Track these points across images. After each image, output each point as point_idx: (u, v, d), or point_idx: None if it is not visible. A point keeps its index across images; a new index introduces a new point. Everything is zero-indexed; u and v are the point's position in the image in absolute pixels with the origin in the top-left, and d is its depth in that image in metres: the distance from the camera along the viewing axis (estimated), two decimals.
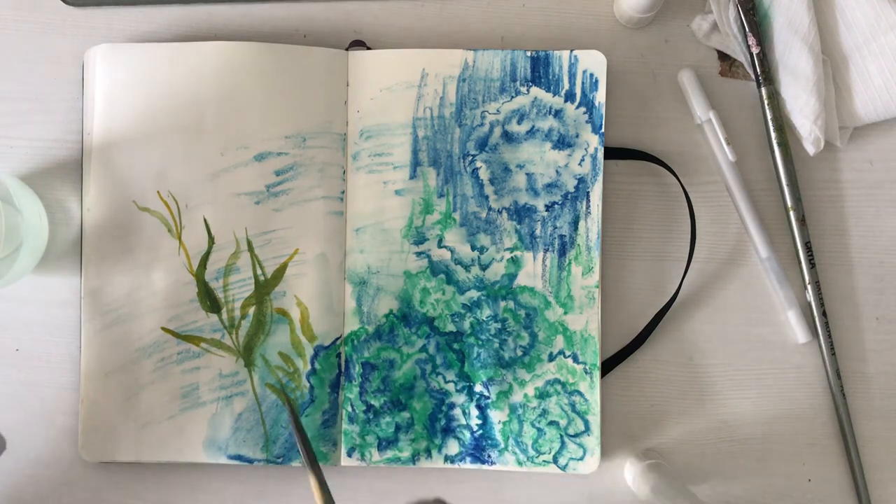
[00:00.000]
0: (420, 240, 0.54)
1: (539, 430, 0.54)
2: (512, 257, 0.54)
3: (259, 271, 0.53)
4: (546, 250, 0.54)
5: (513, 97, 0.54)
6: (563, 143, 0.54)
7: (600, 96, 0.54)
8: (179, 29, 0.55)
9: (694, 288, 0.56)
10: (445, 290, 0.54)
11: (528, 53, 0.54)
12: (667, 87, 0.57)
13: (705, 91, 0.56)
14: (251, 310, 0.53)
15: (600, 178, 0.54)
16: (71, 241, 0.55)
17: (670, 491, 0.52)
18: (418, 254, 0.54)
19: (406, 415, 0.54)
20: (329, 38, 0.56)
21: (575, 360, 0.54)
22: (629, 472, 0.55)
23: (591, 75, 0.54)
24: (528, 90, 0.54)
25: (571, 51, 0.54)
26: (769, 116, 0.55)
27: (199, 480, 0.55)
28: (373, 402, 0.54)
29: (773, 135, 0.55)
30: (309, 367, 0.53)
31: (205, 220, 0.53)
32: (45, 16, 0.55)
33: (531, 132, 0.54)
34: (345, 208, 0.54)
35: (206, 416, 0.53)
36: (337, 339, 0.54)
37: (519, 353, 0.54)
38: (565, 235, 0.54)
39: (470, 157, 0.54)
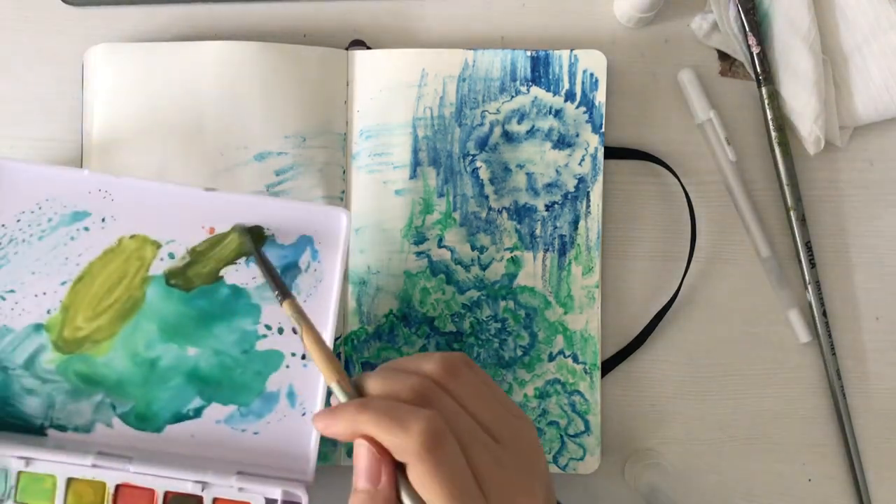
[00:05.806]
0: (420, 240, 0.54)
1: (539, 430, 0.54)
2: (512, 257, 0.54)
3: None
4: (546, 250, 0.54)
5: (513, 97, 0.54)
6: (563, 142, 0.54)
7: (600, 96, 0.54)
8: (179, 29, 0.55)
9: (694, 288, 0.56)
10: (445, 289, 0.54)
11: (528, 53, 0.54)
12: (667, 87, 0.56)
13: (705, 91, 0.56)
14: None
15: (600, 177, 0.54)
16: None
17: (670, 491, 0.52)
18: (418, 254, 0.54)
19: None
20: (329, 37, 0.56)
21: (575, 360, 0.54)
22: (629, 472, 0.55)
23: (591, 75, 0.54)
24: (528, 90, 0.54)
25: (571, 50, 0.54)
26: (769, 116, 0.55)
27: None
28: None
29: (773, 135, 0.55)
30: None
31: None
32: (45, 16, 0.55)
33: (531, 132, 0.54)
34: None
35: None
36: (337, 339, 0.54)
37: (519, 353, 0.54)
38: (565, 235, 0.54)
39: (470, 157, 0.54)
